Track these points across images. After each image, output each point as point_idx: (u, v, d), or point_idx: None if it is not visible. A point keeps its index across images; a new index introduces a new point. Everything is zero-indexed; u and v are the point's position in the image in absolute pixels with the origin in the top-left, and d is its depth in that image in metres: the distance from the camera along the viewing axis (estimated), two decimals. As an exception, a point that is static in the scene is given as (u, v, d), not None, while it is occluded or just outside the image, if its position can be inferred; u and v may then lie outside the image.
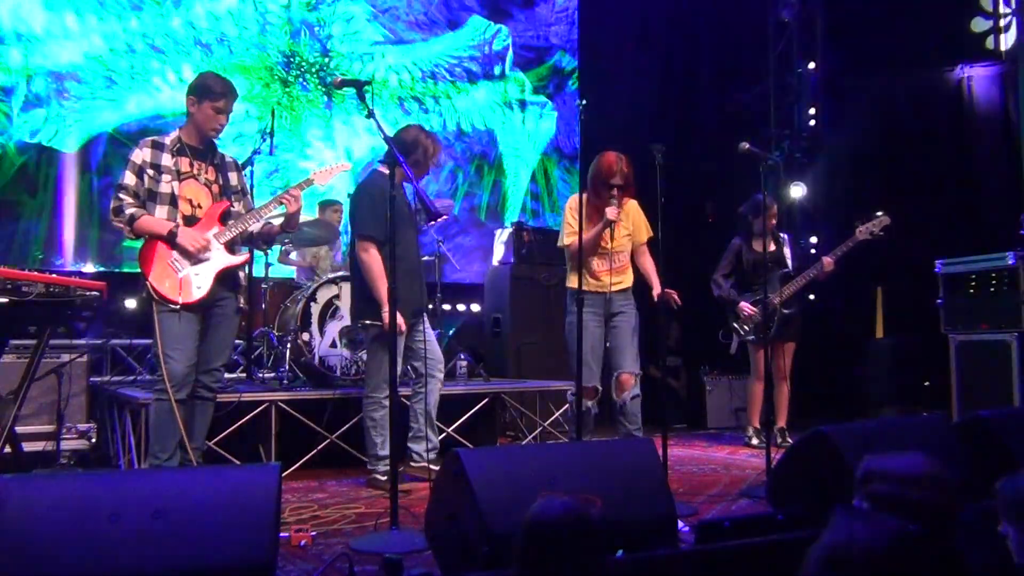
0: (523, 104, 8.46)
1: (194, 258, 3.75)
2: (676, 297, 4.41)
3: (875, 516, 1.50)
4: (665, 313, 4.44)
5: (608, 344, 4.48)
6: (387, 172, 3.56)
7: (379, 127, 3.46)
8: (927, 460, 1.79)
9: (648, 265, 4.60)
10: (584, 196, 4.28)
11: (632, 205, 4.55)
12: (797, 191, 7.48)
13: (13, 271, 3.60)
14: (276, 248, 5.77)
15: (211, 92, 3.84)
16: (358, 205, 4.34)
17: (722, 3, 8.34)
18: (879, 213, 5.42)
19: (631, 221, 4.55)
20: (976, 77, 6.98)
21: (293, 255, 6.24)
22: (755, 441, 5.71)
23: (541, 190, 8.53)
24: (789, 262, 5.75)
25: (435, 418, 4.49)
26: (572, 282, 4.37)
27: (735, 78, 8.28)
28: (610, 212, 4.22)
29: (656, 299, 4.43)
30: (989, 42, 6.87)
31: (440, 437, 4.99)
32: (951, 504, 1.76)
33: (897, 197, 6.44)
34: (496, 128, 8.29)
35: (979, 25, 6.93)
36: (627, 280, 4.55)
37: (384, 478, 4.18)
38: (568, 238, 4.40)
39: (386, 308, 3.99)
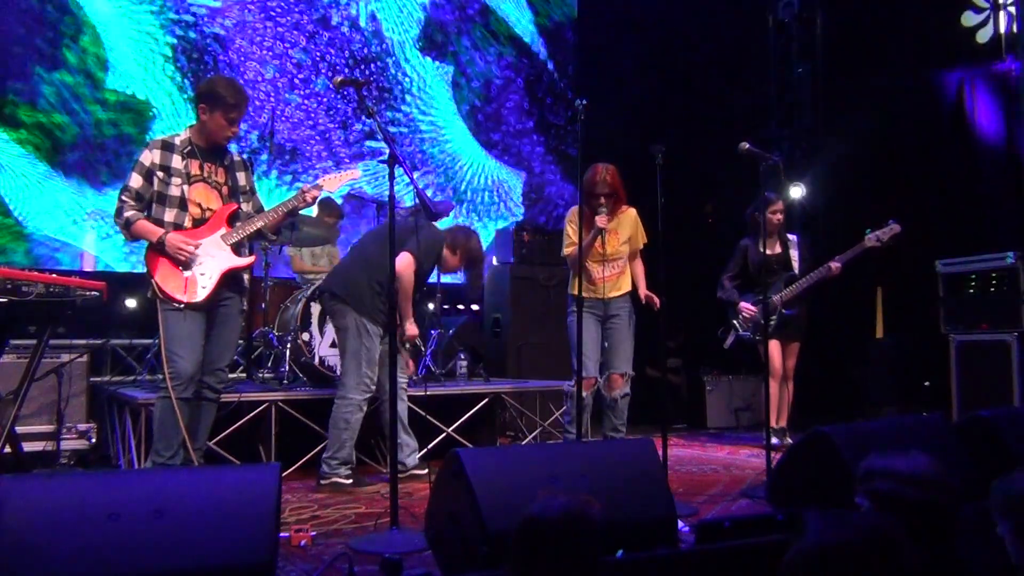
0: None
1: (189, 263, 3.73)
2: (656, 300, 4.62)
3: (848, 517, 1.49)
4: (669, 318, 4.50)
5: (605, 344, 4.70)
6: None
7: (379, 127, 3.46)
8: (929, 460, 1.79)
9: (637, 269, 4.84)
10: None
11: (631, 213, 4.73)
12: (796, 191, 7.46)
13: (13, 271, 3.60)
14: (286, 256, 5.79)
15: (223, 102, 3.75)
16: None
17: (722, 3, 8.34)
18: (891, 222, 5.31)
19: (629, 228, 4.72)
20: (975, 75, 6.97)
21: (306, 259, 6.21)
22: (775, 441, 5.10)
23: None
24: (796, 264, 5.67)
25: (406, 422, 4.49)
26: (572, 287, 4.62)
27: (735, 78, 8.27)
28: (599, 220, 4.44)
29: (643, 300, 4.71)
30: (980, 35, 6.80)
31: (440, 437, 5.01)
32: (951, 504, 1.76)
33: (897, 197, 6.43)
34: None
35: (969, 19, 6.87)
36: (624, 285, 4.71)
37: (349, 482, 4.28)
38: (567, 248, 4.68)
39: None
